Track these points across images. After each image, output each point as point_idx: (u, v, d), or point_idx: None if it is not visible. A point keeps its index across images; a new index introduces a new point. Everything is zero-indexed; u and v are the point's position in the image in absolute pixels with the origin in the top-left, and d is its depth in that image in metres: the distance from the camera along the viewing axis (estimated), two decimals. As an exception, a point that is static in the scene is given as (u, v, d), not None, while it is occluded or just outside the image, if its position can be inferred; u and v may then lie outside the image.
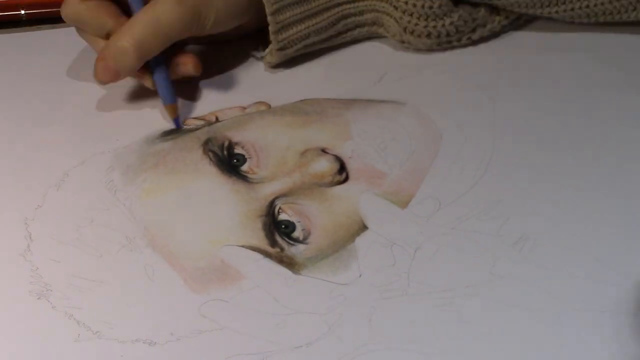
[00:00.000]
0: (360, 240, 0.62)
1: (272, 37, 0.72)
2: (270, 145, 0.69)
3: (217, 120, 0.73)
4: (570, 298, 0.57)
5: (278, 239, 0.63)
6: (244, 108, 0.74)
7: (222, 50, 0.78)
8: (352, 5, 0.74)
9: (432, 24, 0.74)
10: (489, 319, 0.57)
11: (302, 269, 0.61)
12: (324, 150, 0.68)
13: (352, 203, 0.65)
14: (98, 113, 0.74)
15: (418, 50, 0.76)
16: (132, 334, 0.57)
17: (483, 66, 0.75)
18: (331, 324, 0.57)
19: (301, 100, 0.74)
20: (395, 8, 0.74)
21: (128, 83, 0.75)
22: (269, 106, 0.73)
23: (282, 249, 0.62)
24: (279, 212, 0.64)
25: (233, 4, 0.72)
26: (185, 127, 0.72)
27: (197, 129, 0.72)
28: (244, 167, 0.68)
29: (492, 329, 0.56)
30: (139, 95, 0.75)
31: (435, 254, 0.61)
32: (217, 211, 0.65)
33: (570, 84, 0.73)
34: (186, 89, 0.75)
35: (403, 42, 0.76)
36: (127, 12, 0.72)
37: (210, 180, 0.67)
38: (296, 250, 0.62)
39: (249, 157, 0.68)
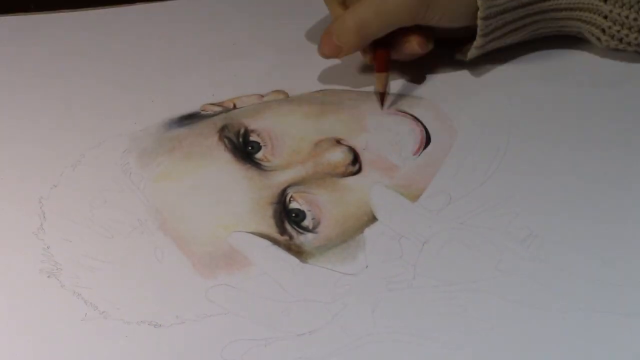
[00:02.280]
0: (369, 232, 0.63)
1: (474, 50, 0.71)
2: (286, 134, 0.70)
3: (234, 107, 0.73)
4: (575, 297, 0.57)
5: (287, 227, 0.63)
6: (262, 96, 0.74)
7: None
8: (561, 13, 0.73)
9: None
10: (493, 314, 0.57)
11: (309, 258, 0.61)
12: (338, 141, 0.69)
13: (363, 194, 0.65)
14: (117, 96, 0.75)
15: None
16: (138, 315, 0.58)
17: (499, 63, 0.75)
18: (335, 313, 0.57)
19: (319, 91, 0.74)
20: (606, 17, 0.71)
21: (147, 70, 0.76)
22: (287, 95, 0.74)
23: (291, 237, 0.63)
24: (290, 200, 0.65)
25: (462, 11, 0.71)
26: (202, 113, 0.73)
27: (214, 115, 0.72)
28: (259, 155, 0.68)
29: (495, 325, 0.56)
30: (159, 79, 0.75)
31: (443, 248, 0.61)
32: (229, 197, 0.65)
33: (584, 82, 0.72)
34: (205, 75, 0.75)
35: (609, 47, 0.73)
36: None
37: (224, 167, 0.67)
38: (305, 239, 0.62)
39: (264, 145, 0.69)
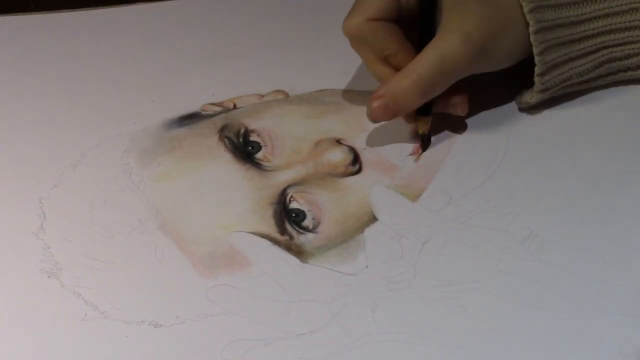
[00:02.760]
0: (369, 232, 0.63)
1: (536, 78, 0.67)
2: (286, 134, 0.70)
3: (234, 107, 0.73)
4: (575, 297, 0.57)
5: (288, 227, 0.63)
6: (262, 96, 0.74)
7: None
8: (619, 48, 0.68)
9: None
10: (493, 314, 0.57)
11: (309, 258, 0.61)
12: (338, 141, 0.69)
13: (363, 194, 0.65)
14: (117, 96, 0.75)
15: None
16: (138, 315, 0.58)
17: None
18: (335, 313, 0.57)
19: (319, 90, 0.74)
20: None
21: (147, 70, 0.76)
22: (287, 95, 0.74)
23: (291, 237, 0.63)
24: (290, 200, 0.65)
25: (514, 43, 0.66)
26: (202, 112, 0.73)
27: (214, 115, 0.72)
28: (259, 155, 0.68)
29: (495, 325, 0.56)
30: (159, 79, 0.75)
31: (443, 248, 0.61)
32: (229, 197, 0.65)
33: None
34: (205, 75, 0.75)
35: None
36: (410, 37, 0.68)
37: (225, 167, 0.68)
38: (305, 239, 0.63)
39: (264, 145, 0.69)
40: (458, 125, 0.70)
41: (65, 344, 0.57)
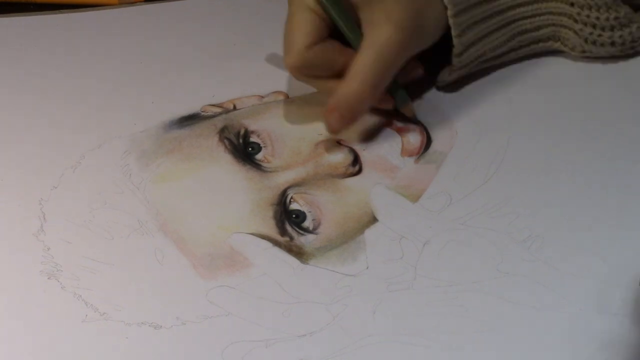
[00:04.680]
0: (370, 233, 0.63)
1: (454, 59, 0.69)
2: (286, 135, 0.70)
3: (234, 108, 0.73)
4: (576, 298, 0.57)
5: (288, 228, 0.63)
6: (262, 97, 0.74)
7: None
8: (528, 20, 0.71)
9: (617, 33, 0.71)
10: (494, 315, 0.57)
11: (310, 259, 0.61)
12: (339, 142, 0.69)
13: (363, 195, 0.65)
14: (117, 97, 0.75)
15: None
16: (138, 316, 0.58)
17: (499, 67, 0.74)
18: (336, 314, 0.57)
19: (319, 91, 0.74)
20: (576, 21, 0.70)
21: (147, 71, 0.76)
22: (287, 96, 0.74)
23: (291, 238, 0.63)
24: (290, 201, 0.65)
25: (437, 18, 0.68)
26: (202, 114, 0.73)
27: (214, 116, 0.72)
28: (259, 156, 0.68)
29: (496, 326, 0.56)
30: (159, 80, 0.75)
31: (444, 249, 0.61)
32: (230, 198, 0.65)
33: (584, 84, 0.72)
34: (205, 76, 0.75)
35: (584, 52, 0.72)
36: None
37: (225, 168, 0.68)
38: (305, 240, 0.63)
39: (264, 146, 0.69)
40: (458, 125, 0.70)
41: (66, 345, 0.57)
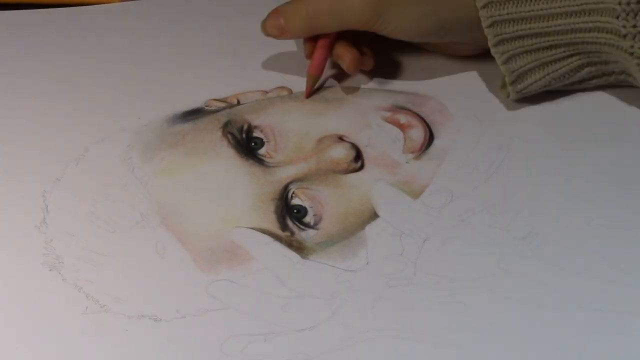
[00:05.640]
0: (370, 228, 0.63)
1: (509, 88, 0.68)
2: (289, 131, 0.70)
3: (238, 103, 0.73)
4: (576, 295, 0.57)
5: (289, 223, 0.63)
6: (266, 92, 0.74)
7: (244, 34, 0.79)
8: (594, 53, 0.67)
9: None
10: (493, 312, 0.57)
11: (310, 254, 0.61)
12: (341, 138, 0.69)
13: (365, 191, 0.65)
14: (121, 91, 0.75)
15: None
16: (138, 309, 0.58)
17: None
18: (335, 309, 0.58)
19: (322, 87, 0.74)
20: (631, 54, 0.65)
21: (151, 66, 0.76)
22: (291, 91, 0.74)
23: (292, 233, 0.63)
24: (292, 196, 0.65)
25: (422, 21, 0.68)
26: (206, 108, 0.73)
27: (217, 110, 0.72)
28: (261, 151, 0.68)
29: (495, 322, 0.56)
30: (163, 74, 0.76)
31: (444, 245, 0.61)
32: (232, 193, 0.65)
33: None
34: (209, 71, 0.76)
35: None
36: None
37: (227, 162, 0.68)
38: (306, 235, 0.63)
39: (267, 141, 0.69)
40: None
41: (66, 337, 0.57)
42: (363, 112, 0.71)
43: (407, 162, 0.67)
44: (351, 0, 0.68)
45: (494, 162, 0.66)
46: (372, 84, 0.74)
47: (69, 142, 0.70)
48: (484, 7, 0.66)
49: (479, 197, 0.64)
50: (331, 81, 0.75)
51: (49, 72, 0.77)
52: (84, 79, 0.76)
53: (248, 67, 0.76)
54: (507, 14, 0.65)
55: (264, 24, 0.71)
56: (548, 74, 0.68)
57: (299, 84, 0.74)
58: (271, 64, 0.77)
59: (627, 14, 0.63)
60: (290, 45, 0.78)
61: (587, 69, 0.68)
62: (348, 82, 0.74)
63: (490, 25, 0.66)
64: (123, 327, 0.57)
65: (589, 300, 0.57)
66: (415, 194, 0.65)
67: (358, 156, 0.68)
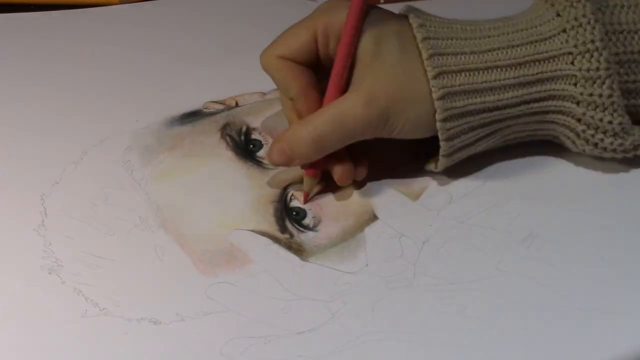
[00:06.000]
0: (370, 230, 0.63)
1: (441, 158, 0.64)
2: (288, 132, 0.70)
3: (236, 105, 0.73)
4: (575, 297, 0.57)
5: (288, 225, 0.63)
6: (264, 94, 0.74)
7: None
8: (529, 128, 0.65)
9: (618, 140, 0.63)
10: (493, 314, 0.57)
11: (310, 256, 0.61)
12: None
13: (364, 193, 0.65)
14: (119, 93, 0.75)
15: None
16: (138, 312, 0.58)
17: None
18: (335, 312, 0.58)
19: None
20: (578, 136, 0.64)
21: (150, 68, 0.76)
22: (289, 93, 0.74)
23: (291, 236, 0.63)
24: (291, 199, 0.65)
25: (426, 119, 0.63)
26: (204, 110, 0.73)
27: (216, 113, 0.72)
28: (260, 153, 0.69)
29: (494, 324, 0.56)
30: (161, 77, 0.76)
31: (443, 247, 0.61)
32: (230, 195, 0.65)
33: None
34: (208, 73, 0.76)
35: (584, 151, 0.65)
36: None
37: (226, 165, 0.68)
38: (305, 237, 0.63)
39: (266, 143, 0.69)
40: None
41: (65, 340, 0.57)
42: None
43: (405, 164, 0.67)
44: (357, 113, 0.62)
45: (492, 164, 0.66)
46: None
47: (67, 145, 0.70)
48: (435, 77, 0.62)
49: (478, 199, 0.64)
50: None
51: (47, 75, 0.77)
52: (82, 82, 0.76)
53: (246, 69, 0.76)
54: (460, 85, 0.62)
55: (269, 155, 0.64)
56: (480, 146, 0.65)
57: (298, 85, 0.74)
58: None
59: (586, 81, 0.62)
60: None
61: (514, 136, 0.66)
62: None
63: (441, 98, 0.62)
64: (122, 330, 0.57)
65: (588, 302, 0.57)
66: (415, 195, 0.65)
67: (357, 160, 0.67)
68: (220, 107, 0.73)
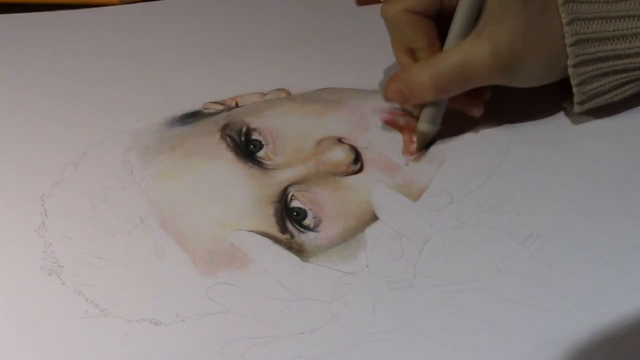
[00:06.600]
0: (370, 231, 0.63)
1: (576, 106, 0.66)
2: (288, 133, 0.70)
3: (236, 105, 0.73)
4: (576, 297, 0.57)
5: (289, 225, 0.63)
6: (264, 94, 0.74)
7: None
8: None
9: None
10: (494, 314, 0.57)
11: (310, 257, 0.61)
12: (340, 140, 0.69)
13: (364, 193, 0.65)
14: (119, 94, 0.75)
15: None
16: (138, 313, 0.58)
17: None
18: (335, 312, 0.58)
19: (321, 89, 0.74)
20: None
21: (149, 68, 0.76)
22: (289, 93, 0.74)
23: (292, 236, 0.63)
24: (291, 199, 0.65)
25: (548, 69, 0.65)
26: (204, 111, 0.73)
27: (216, 113, 0.72)
28: (260, 153, 0.68)
29: (495, 325, 0.56)
30: (161, 77, 0.76)
31: (444, 248, 0.61)
32: (231, 195, 0.65)
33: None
34: (208, 74, 0.76)
35: None
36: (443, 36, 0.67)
37: (226, 165, 0.68)
38: (306, 238, 0.63)
39: (266, 144, 0.69)
40: (460, 124, 0.70)
41: (66, 341, 0.57)
42: (362, 114, 0.71)
43: (406, 164, 0.67)
44: (480, 59, 0.64)
45: (493, 164, 0.66)
46: (372, 86, 0.74)
47: (67, 146, 0.70)
48: (569, 23, 0.64)
49: (479, 199, 0.64)
50: (329, 83, 0.74)
51: (47, 75, 0.77)
52: (82, 82, 0.76)
53: (246, 69, 0.76)
54: (592, 32, 0.64)
55: (385, 93, 0.67)
56: (616, 95, 0.67)
57: (298, 85, 0.74)
58: (269, 66, 0.77)
59: None
60: (289, 47, 0.78)
61: None
62: (347, 84, 0.74)
63: (574, 44, 0.64)
64: (123, 331, 0.57)
65: (589, 302, 0.57)
66: (415, 196, 0.65)
67: (357, 158, 0.68)
68: (220, 107, 0.73)
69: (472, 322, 0.57)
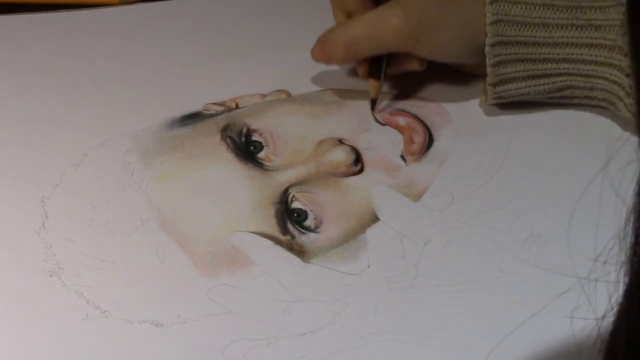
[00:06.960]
0: (371, 232, 0.63)
1: (488, 88, 0.68)
2: (288, 134, 0.70)
3: (236, 106, 0.73)
4: (576, 298, 0.57)
5: (289, 226, 0.63)
6: (264, 95, 0.74)
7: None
8: (582, 79, 0.67)
9: None
10: (495, 314, 0.57)
11: (311, 258, 0.61)
12: (340, 141, 0.69)
13: (365, 194, 0.65)
14: (119, 95, 0.75)
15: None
16: (139, 314, 0.58)
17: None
18: (337, 313, 0.58)
19: (321, 90, 0.74)
20: (628, 94, 0.64)
21: (149, 70, 0.76)
22: (289, 94, 0.74)
23: (293, 237, 0.63)
24: (292, 200, 0.65)
25: (460, 44, 0.68)
26: (204, 112, 0.73)
27: (216, 114, 0.72)
28: (261, 155, 0.68)
29: (496, 325, 0.56)
30: (161, 79, 0.75)
31: (445, 248, 0.61)
32: (231, 197, 0.65)
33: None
34: (208, 75, 0.75)
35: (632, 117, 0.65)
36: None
37: (226, 166, 0.68)
38: (307, 239, 0.63)
39: (266, 145, 0.69)
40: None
41: (67, 343, 0.57)
42: (362, 115, 0.71)
43: (407, 165, 0.67)
44: (389, 24, 0.67)
45: (494, 164, 0.66)
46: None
47: (67, 148, 0.70)
48: (492, 2, 0.65)
49: (480, 200, 0.64)
50: (329, 84, 0.74)
51: (47, 76, 0.77)
52: (83, 83, 0.76)
53: (246, 70, 0.76)
54: (514, 15, 0.65)
55: (312, 50, 0.71)
56: (530, 86, 0.68)
57: (298, 86, 0.74)
58: (269, 67, 0.77)
59: None
60: (289, 48, 0.78)
61: (570, 90, 0.68)
62: (347, 85, 0.74)
63: (494, 23, 0.65)
64: (124, 333, 0.57)
65: (588, 303, 0.57)
66: (416, 196, 0.65)
67: (358, 159, 0.68)
68: (221, 108, 0.73)
69: (473, 323, 0.57)
